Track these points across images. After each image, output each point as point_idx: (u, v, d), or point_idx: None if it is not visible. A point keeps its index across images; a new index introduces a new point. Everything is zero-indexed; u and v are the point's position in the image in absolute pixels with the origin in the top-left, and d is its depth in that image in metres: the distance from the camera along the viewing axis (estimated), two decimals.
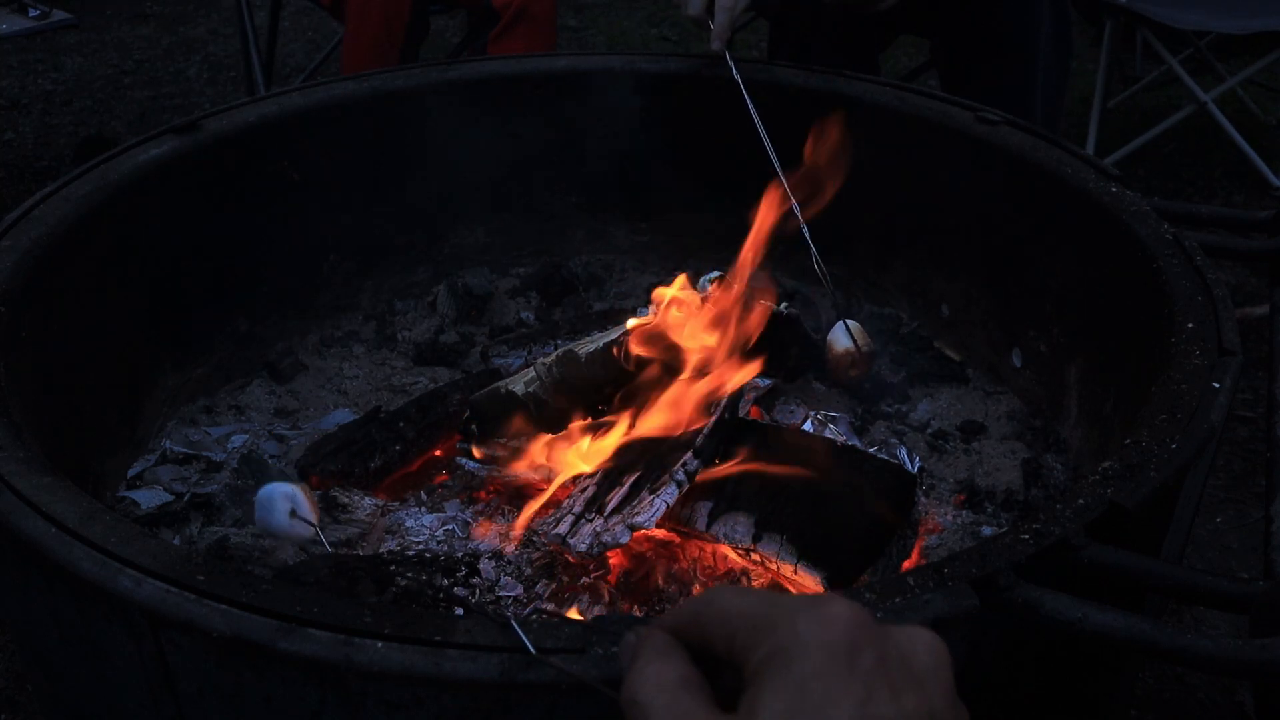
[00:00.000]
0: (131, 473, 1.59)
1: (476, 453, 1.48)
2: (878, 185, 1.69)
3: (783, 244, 1.57)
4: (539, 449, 1.46)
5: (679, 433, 1.39)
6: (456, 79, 1.92)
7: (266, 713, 0.92)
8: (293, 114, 1.78)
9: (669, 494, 1.31)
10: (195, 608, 0.91)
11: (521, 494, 1.49)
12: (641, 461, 1.38)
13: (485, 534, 1.41)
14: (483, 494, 1.51)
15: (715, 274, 1.67)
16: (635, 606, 1.32)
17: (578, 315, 1.92)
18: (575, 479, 1.43)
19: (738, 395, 1.43)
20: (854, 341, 1.70)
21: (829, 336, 1.73)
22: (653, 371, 1.43)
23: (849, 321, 1.72)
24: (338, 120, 1.83)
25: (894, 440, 1.65)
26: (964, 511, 1.53)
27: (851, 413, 1.70)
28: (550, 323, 1.90)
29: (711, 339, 1.43)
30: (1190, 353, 1.23)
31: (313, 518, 1.22)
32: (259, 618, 0.89)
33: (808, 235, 1.62)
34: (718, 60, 1.84)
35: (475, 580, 1.32)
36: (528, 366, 1.53)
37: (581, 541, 1.29)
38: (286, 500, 1.21)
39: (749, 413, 1.60)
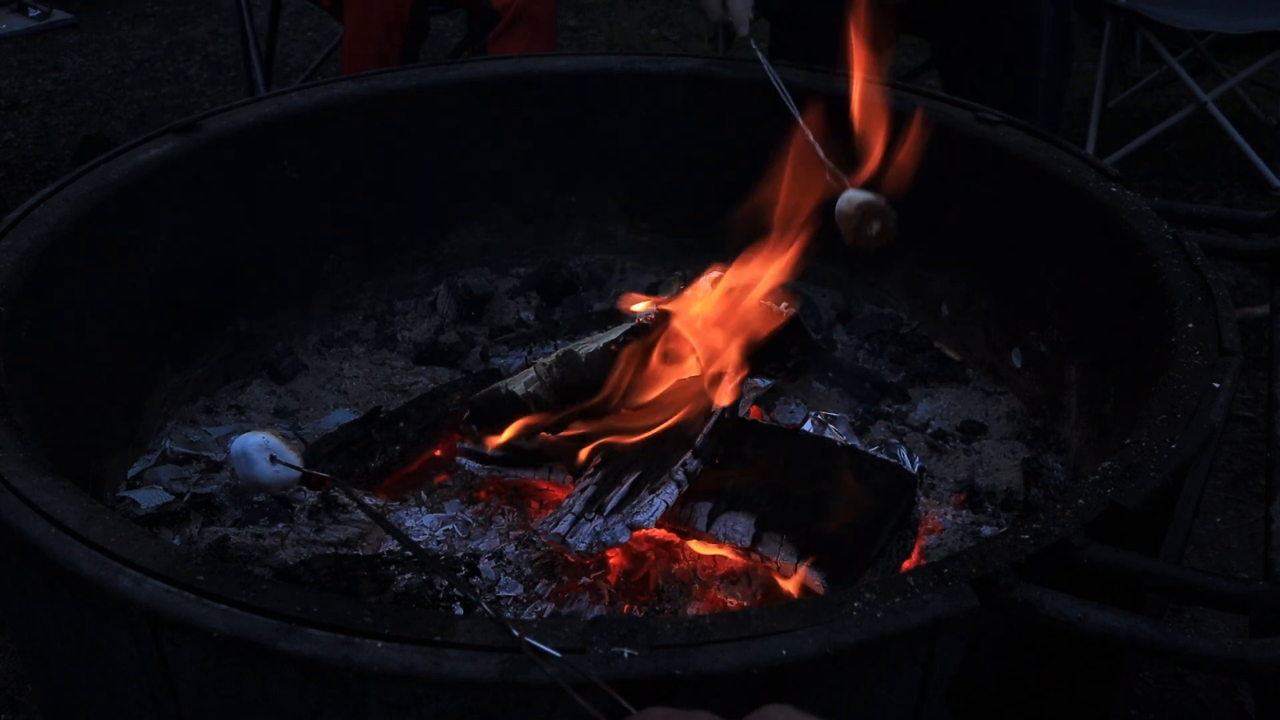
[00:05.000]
0: (131, 473, 1.59)
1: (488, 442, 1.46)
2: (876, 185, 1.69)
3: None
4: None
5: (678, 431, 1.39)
6: (456, 79, 1.92)
7: (266, 713, 0.92)
8: (293, 114, 1.78)
9: (668, 494, 1.31)
10: (195, 608, 0.91)
11: (522, 494, 1.49)
12: (641, 461, 1.38)
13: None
14: (483, 494, 1.51)
15: (715, 274, 1.67)
16: (635, 606, 1.32)
17: (578, 315, 1.92)
18: (575, 478, 1.42)
19: (737, 395, 1.43)
20: (865, 197, 1.49)
21: (838, 206, 1.51)
22: (654, 367, 1.43)
23: (854, 190, 1.51)
24: (338, 120, 1.83)
25: (894, 440, 1.65)
26: (964, 511, 1.53)
27: (851, 413, 1.70)
28: (550, 323, 1.90)
29: (717, 337, 1.43)
30: (1190, 353, 1.23)
31: (295, 460, 1.16)
32: (259, 618, 0.89)
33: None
34: (741, 50, 1.78)
35: (475, 580, 1.32)
36: (528, 366, 1.53)
37: (581, 540, 1.29)
38: (263, 450, 1.16)
39: (749, 413, 1.60)
